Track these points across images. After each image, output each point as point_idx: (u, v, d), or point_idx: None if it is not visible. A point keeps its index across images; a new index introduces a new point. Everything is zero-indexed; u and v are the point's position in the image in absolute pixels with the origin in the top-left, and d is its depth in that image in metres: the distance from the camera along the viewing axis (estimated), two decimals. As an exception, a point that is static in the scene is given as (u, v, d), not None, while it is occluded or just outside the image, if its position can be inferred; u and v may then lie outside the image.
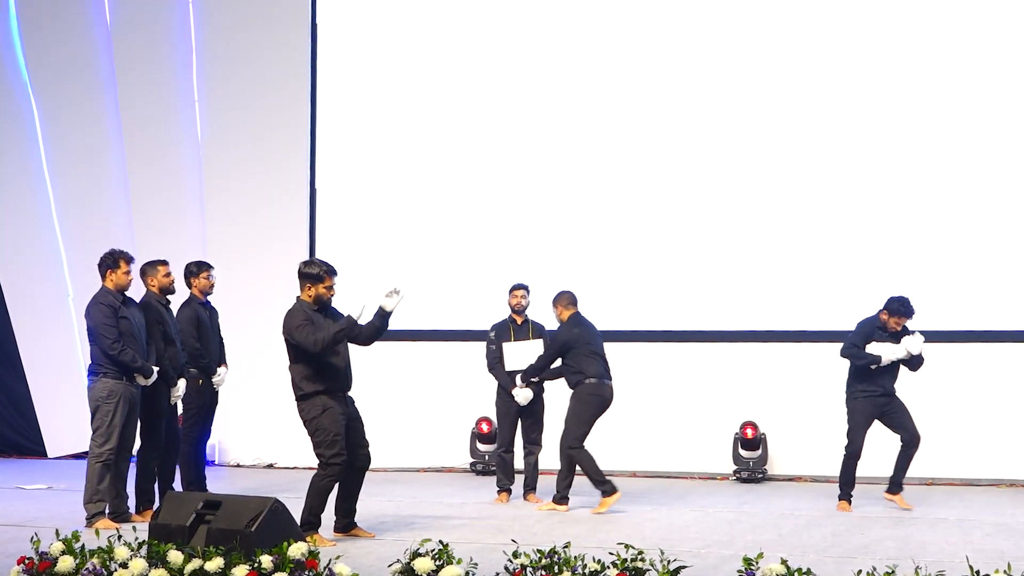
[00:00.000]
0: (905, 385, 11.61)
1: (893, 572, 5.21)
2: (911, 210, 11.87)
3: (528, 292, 10.31)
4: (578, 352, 9.62)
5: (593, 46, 12.69)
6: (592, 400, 9.58)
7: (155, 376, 8.91)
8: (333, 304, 8.18)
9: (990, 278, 11.66)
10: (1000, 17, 11.83)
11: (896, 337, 9.57)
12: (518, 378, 10.01)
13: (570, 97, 12.64)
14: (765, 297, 12.12)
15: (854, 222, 11.99)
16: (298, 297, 8.12)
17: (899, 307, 9.55)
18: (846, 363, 11.15)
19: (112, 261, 8.80)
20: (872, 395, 9.66)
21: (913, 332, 9.58)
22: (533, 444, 10.21)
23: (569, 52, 12.69)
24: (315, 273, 8.05)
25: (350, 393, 8.18)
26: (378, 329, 8.06)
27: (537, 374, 9.94)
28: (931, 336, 11.66)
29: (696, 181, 12.34)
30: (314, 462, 8.04)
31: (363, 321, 7.98)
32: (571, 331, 9.70)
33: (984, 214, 11.76)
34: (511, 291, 10.32)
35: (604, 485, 9.53)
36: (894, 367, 9.66)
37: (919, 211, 11.87)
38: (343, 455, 7.91)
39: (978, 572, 5.16)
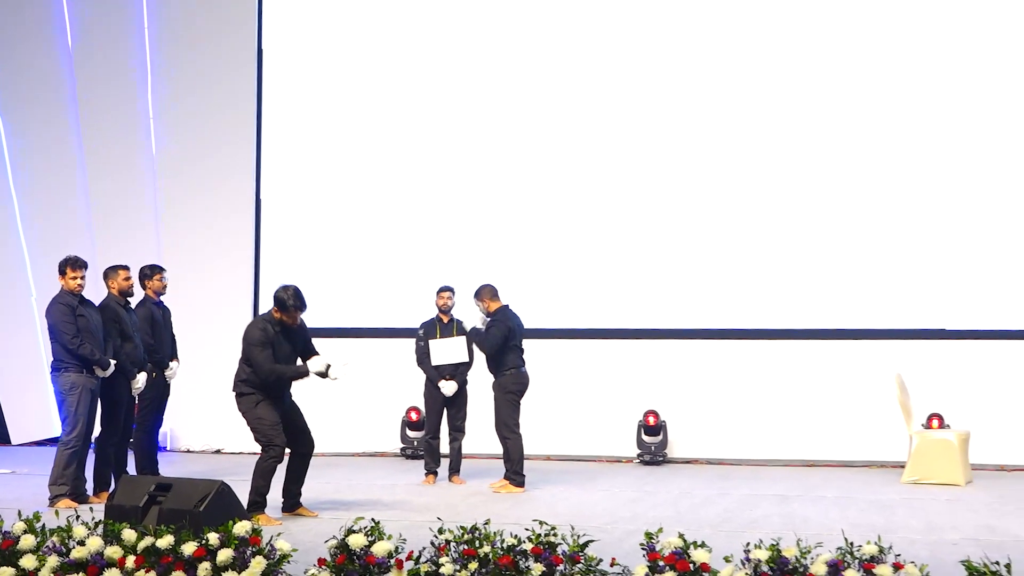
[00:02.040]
0: (792, 377, 11.81)
1: (777, 544, 5.23)
2: (820, 212, 12.02)
3: (453, 293, 10.29)
4: (505, 345, 9.64)
5: (540, 43, 12.65)
6: (514, 387, 9.62)
7: (112, 369, 8.82)
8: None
9: (892, 277, 11.82)
10: (1000, 17, 11.71)
11: None
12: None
13: (492, 114, 12.67)
14: (666, 296, 12.20)
15: (749, 223, 12.11)
16: (270, 311, 8.10)
17: None
18: (747, 356, 11.39)
19: (60, 268, 8.78)
20: None
21: None
22: (457, 431, 10.19)
23: (507, 56, 12.71)
24: (283, 302, 8.02)
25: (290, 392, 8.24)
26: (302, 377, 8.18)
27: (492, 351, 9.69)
28: (818, 334, 11.90)
29: (598, 182, 12.41)
30: (257, 448, 8.00)
31: (314, 370, 8.07)
32: (508, 324, 9.65)
33: (934, 214, 11.83)
34: (438, 292, 10.30)
35: (518, 477, 9.57)
36: None
37: (834, 214, 12.01)
38: (282, 437, 7.93)
39: (852, 544, 5.20)
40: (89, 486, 8.97)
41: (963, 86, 11.81)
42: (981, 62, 11.80)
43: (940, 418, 10.91)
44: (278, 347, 7.99)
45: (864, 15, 12.02)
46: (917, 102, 11.86)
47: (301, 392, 8.37)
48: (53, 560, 5.64)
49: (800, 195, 11.99)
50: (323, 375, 8.11)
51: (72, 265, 8.72)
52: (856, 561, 5.08)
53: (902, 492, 9.65)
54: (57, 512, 6.36)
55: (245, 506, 7.34)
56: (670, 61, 12.40)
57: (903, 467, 10.53)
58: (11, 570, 5.65)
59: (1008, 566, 5.00)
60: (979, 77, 11.78)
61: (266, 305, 12.69)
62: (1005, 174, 11.65)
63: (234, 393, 8.07)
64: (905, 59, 11.93)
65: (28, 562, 5.65)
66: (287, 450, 8.08)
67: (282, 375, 7.98)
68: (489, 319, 9.74)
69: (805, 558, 5.13)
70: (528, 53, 12.70)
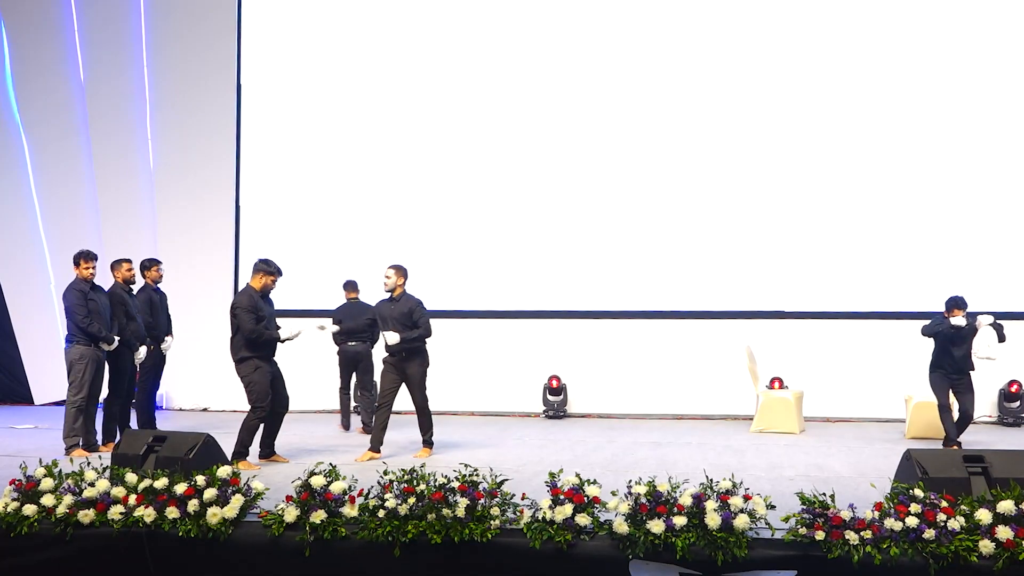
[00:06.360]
0: (665, 348, 11.84)
1: (653, 481, 5.26)
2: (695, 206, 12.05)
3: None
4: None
5: (506, 28, 12.38)
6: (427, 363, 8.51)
7: (116, 344, 8.69)
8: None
9: (741, 269, 11.89)
10: (1000, 15, 11.32)
11: None
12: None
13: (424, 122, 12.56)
14: (565, 285, 12.20)
15: (631, 223, 12.12)
16: (248, 284, 7.97)
17: None
18: (631, 332, 11.32)
19: (76, 260, 8.64)
20: None
21: None
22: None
23: (466, 44, 12.54)
24: (270, 269, 7.97)
25: (275, 359, 8.08)
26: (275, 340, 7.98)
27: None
28: (686, 315, 11.93)
29: (497, 184, 12.34)
30: (237, 406, 7.88)
31: (284, 336, 7.91)
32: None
33: (780, 217, 11.85)
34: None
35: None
36: None
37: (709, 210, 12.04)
38: (268, 401, 7.82)
39: (711, 480, 5.24)
40: (99, 438, 8.82)
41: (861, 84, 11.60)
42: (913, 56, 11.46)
43: (780, 381, 11.05)
44: (261, 310, 7.87)
45: (861, 17, 11.54)
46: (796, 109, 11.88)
47: (283, 361, 8.24)
48: (68, 499, 5.56)
49: (674, 198, 11.98)
50: (290, 339, 7.95)
51: (86, 258, 8.62)
52: (715, 494, 5.13)
53: (750, 439, 9.75)
54: (72, 459, 6.25)
55: (230, 456, 7.24)
56: (629, 46, 12.05)
57: (751, 419, 10.66)
58: (34, 507, 5.55)
59: (832, 496, 5.11)
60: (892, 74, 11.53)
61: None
62: (835, 179, 11.77)
63: (235, 360, 7.88)
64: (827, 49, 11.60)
65: (48, 500, 5.57)
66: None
67: (261, 335, 7.81)
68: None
69: (675, 492, 5.17)
70: (491, 38, 12.36)
